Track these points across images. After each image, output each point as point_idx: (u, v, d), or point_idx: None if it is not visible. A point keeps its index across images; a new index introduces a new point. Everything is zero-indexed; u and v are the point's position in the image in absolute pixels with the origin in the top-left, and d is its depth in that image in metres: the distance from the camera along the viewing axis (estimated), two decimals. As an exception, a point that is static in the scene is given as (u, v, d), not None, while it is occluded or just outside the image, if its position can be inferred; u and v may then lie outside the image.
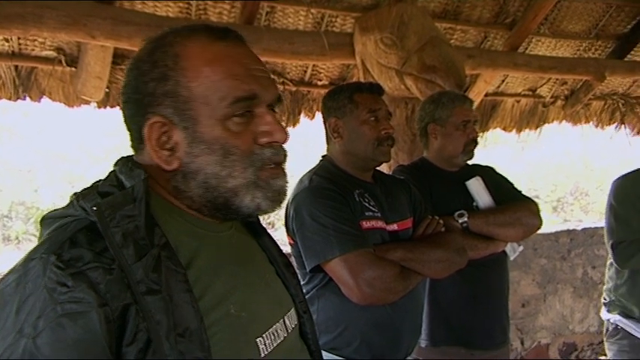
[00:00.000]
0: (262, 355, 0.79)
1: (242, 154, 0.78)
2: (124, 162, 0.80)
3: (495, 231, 1.86)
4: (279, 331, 0.84)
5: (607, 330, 2.15)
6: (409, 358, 1.69)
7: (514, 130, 4.09)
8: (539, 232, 4.05)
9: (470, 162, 2.05)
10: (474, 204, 1.93)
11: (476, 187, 1.94)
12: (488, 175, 2.03)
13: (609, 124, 4.14)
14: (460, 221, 1.83)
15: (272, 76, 3.22)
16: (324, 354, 1.56)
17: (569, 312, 3.85)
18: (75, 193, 0.76)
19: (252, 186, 0.79)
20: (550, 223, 5.90)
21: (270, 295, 0.88)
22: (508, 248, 1.97)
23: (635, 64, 3.59)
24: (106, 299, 0.65)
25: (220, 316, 0.75)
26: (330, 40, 2.66)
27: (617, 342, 2.09)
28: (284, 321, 0.87)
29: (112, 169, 0.81)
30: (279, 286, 0.93)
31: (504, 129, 4.07)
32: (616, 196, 2.05)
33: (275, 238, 1.00)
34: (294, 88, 3.10)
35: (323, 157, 1.73)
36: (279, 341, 0.83)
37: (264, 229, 0.98)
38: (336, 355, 1.56)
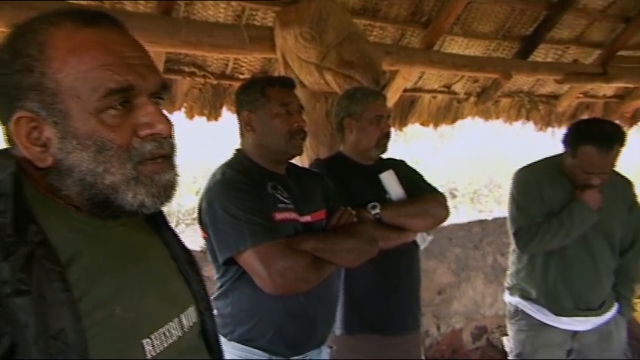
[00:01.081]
0: (149, 356, 0.76)
1: (119, 148, 0.74)
2: None
3: (406, 222, 1.95)
4: (172, 330, 0.82)
5: (509, 312, 2.31)
6: (324, 346, 1.74)
7: (431, 125, 4.26)
8: (454, 222, 4.28)
9: (384, 156, 2.13)
10: (387, 196, 2.01)
11: (388, 180, 2.01)
12: (401, 168, 2.11)
13: (517, 120, 4.42)
14: (373, 213, 1.90)
15: (192, 68, 3.14)
16: (238, 346, 1.58)
17: (481, 297, 4.08)
18: None
19: (132, 182, 0.75)
20: (467, 215, 6.22)
21: (165, 293, 0.85)
22: (419, 238, 2.06)
23: (538, 64, 3.85)
24: None
25: (103, 317, 0.72)
26: (251, 34, 2.64)
27: (516, 322, 2.24)
28: (180, 320, 0.85)
29: None
30: (178, 284, 0.90)
31: (422, 124, 4.22)
32: (516, 186, 2.20)
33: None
34: (215, 82, 3.06)
35: (237, 150, 1.73)
36: (171, 341, 0.81)
37: (167, 223, 0.95)
38: (251, 346, 1.57)
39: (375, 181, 2.02)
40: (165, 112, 0.80)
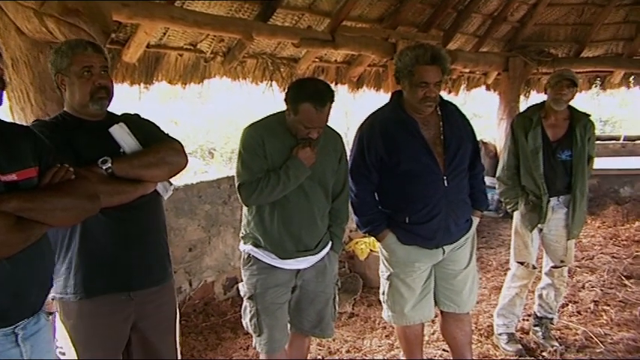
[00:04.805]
0: None
1: None
2: None
3: (141, 173, 1.90)
4: None
5: (243, 259, 2.48)
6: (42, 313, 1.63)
7: (180, 84, 4.21)
8: (204, 180, 4.34)
9: (118, 112, 2.03)
10: (121, 150, 1.93)
11: (119, 132, 1.94)
12: (134, 121, 2.05)
13: (262, 80, 4.65)
14: (104, 167, 1.82)
15: None
16: None
17: (231, 250, 4.28)
18: None
19: None
20: (223, 173, 6.38)
21: None
22: (160, 188, 2.03)
23: (276, 28, 4.09)
24: None
25: None
26: (-55, -36, 2.23)
27: (249, 268, 2.43)
28: None
29: None
30: None
31: (170, 82, 4.15)
32: (242, 143, 2.33)
33: None
34: None
35: None
36: None
37: None
38: None
39: (105, 136, 1.92)
40: None
